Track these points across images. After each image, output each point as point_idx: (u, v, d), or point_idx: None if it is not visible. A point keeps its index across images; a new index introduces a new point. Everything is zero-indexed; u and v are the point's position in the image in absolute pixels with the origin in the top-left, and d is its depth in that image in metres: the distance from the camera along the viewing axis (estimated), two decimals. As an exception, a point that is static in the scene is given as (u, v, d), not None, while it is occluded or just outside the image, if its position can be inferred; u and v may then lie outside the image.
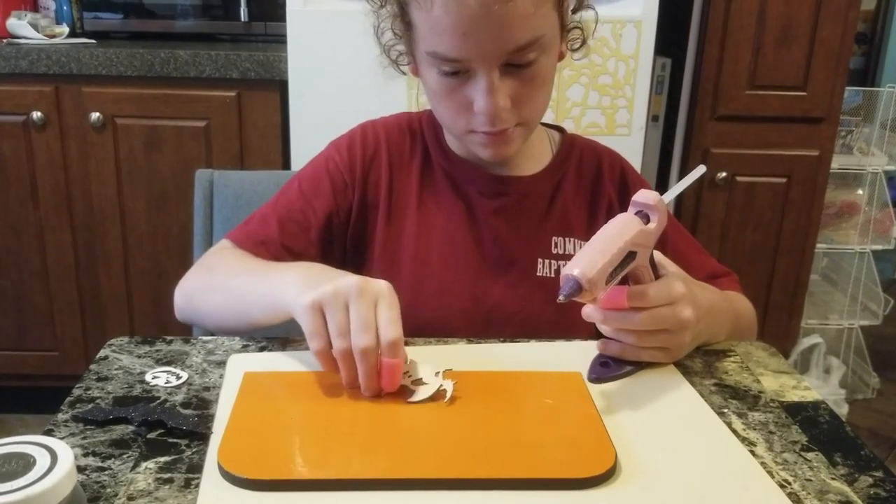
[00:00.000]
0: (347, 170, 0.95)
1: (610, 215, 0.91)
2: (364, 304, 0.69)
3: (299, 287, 0.73)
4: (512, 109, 0.84)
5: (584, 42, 0.93)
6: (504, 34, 0.79)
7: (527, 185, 0.96)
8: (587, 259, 0.68)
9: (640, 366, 0.78)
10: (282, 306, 0.75)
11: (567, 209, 0.97)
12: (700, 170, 0.80)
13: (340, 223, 0.95)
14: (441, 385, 0.71)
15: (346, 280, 0.70)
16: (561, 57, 0.91)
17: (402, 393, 0.71)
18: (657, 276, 0.77)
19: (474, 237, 0.95)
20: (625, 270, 0.71)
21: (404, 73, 0.94)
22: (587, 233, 0.95)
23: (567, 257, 0.94)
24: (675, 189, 0.79)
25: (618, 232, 0.71)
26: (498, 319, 0.92)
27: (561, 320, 0.90)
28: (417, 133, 0.98)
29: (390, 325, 0.68)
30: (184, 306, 0.91)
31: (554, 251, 0.95)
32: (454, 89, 0.84)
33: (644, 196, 0.74)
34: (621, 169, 1.01)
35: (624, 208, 1.01)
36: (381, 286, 0.70)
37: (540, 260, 0.94)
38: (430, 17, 0.80)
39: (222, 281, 0.87)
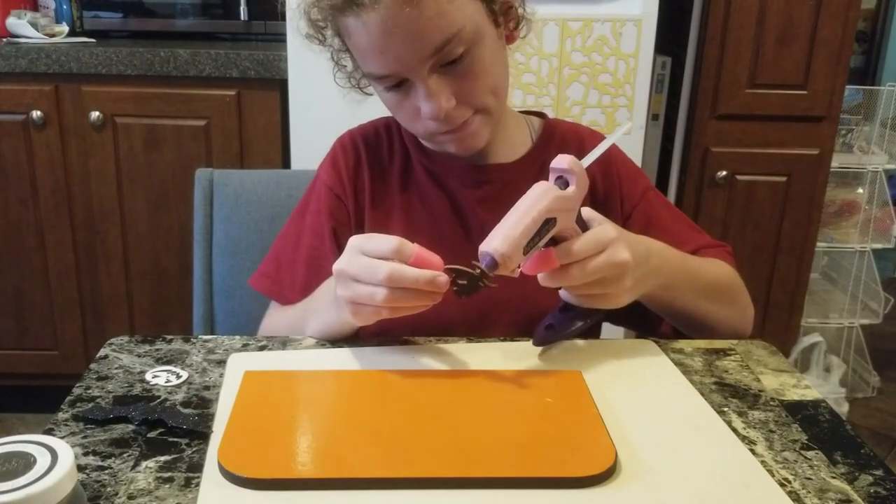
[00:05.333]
0: (338, 185, 0.97)
1: (595, 195, 0.91)
2: (357, 263, 0.73)
3: (337, 305, 0.78)
4: (459, 105, 0.85)
5: (520, 20, 0.92)
6: (416, 41, 0.80)
7: (509, 172, 0.96)
8: (500, 234, 0.71)
9: (585, 323, 0.80)
10: (340, 326, 0.83)
11: None
12: (624, 127, 0.81)
13: (347, 236, 0.96)
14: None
15: (336, 279, 0.76)
16: (511, 40, 0.92)
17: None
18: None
19: (462, 229, 0.96)
20: (545, 237, 0.73)
21: (370, 94, 0.96)
22: None
23: None
24: (597, 150, 0.81)
25: (532, 203, 0.73)
26: (492, 308, 0.93)
27: (555, 304, 0.91)
28: (395, 135, 1.00)
29: (380, 245, 0.72)
30: None
31: None
32: (401, 101, 0.87)
33: (560, 161, 0.76)
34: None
35: (608, 187, 1.01)
36: (348, 245, 0.75)
37: None
38: (353, 42, 0.84)
39: (291, 330, 0.91)
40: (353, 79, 0.95)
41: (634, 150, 1.86)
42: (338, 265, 0.75)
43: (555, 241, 0.76)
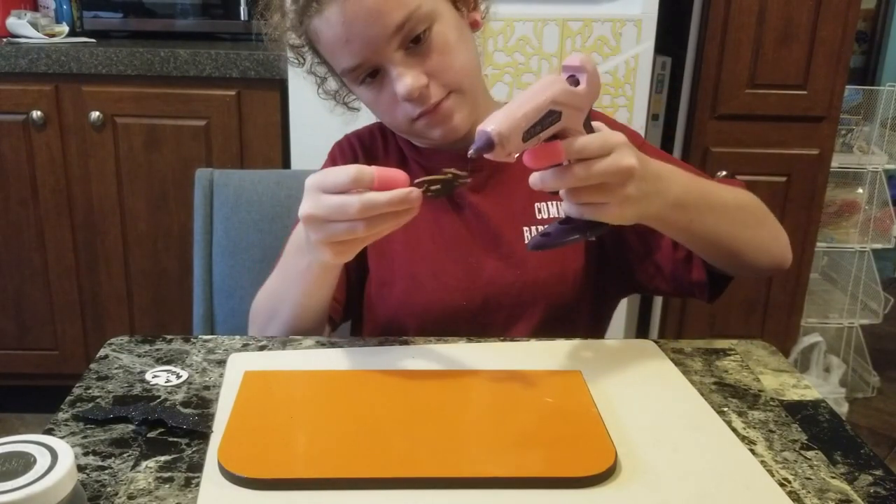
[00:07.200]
0: None
1: None
2: (324, 204, 0.71)
3: (312, 252, 0.76)
4: (432, 83, 0.87)
5: (478, 3, 0.95)
6: (377, 21, 0.83)
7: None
8: (502, 115, 0.66)
9: (582, 237, 0.75)
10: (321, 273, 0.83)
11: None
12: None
13: None
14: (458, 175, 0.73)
15: (305, 224, 0.73)
16: (476, 26, 0.94)
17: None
18: None
19: (460, 217, 0.97)
20: (547, 131, 0.69)
21: (358, 109, 1.00)
22: None
23: (553, 220, 0.94)
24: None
25: (537, 91, 0.69)
26: (495, 292, 0.94)
27: (556, 283, 0.93)
28: (389, 136, 1.02)
29: (339, 178, 0.70)
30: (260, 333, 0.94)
31: (539, 217, 0.96)
32: (379, 91, 0.89)
33: (572, 59, 0.72)
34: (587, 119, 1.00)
35: None
36: (307, 187, 0.73)
37: (526, 228, 0.96)
38: (323, 42, 0.87)
39: (271, 299, 0.92)
40: (339, 96, 0.99)
41: (634, 150, 1.85)
42: (305, 210, 0.72)
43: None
